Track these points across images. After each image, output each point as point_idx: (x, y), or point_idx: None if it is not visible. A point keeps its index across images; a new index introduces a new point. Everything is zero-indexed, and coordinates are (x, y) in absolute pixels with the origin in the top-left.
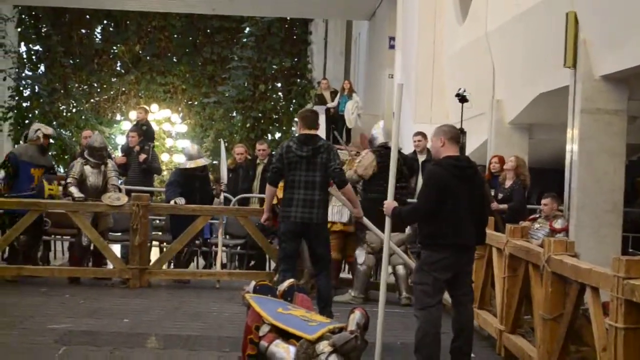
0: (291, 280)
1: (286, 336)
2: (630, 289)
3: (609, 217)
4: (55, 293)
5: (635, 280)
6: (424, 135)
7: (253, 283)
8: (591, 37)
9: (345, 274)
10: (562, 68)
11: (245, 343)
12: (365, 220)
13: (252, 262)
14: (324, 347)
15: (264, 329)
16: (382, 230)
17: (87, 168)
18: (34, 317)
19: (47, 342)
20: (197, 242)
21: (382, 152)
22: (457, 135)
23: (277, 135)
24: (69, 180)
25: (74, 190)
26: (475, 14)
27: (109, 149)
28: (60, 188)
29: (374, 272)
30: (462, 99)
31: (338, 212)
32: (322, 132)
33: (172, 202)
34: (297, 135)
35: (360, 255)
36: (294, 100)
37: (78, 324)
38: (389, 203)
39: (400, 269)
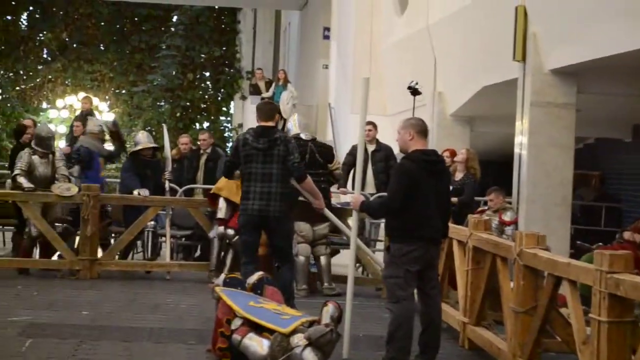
0: (260, 273)
1: (258, 329)
2: (615, 283)
3: (558, 210)
4: (5, 284)
5: (619, 274)
6: (374, 125)
7: (223, 276)
8: (541, 31)
9: None
10: (508, 61)
11: (216, 336)
12: (327, 212)
13: (198, 253)
14: (298, 340)
15: (236, 322)
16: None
17: (36, 158)
18: None
19: (11, 335)
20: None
21: (298, 143)
22: (425, 129)
23: (205, 124)
24: (17, 171)
25: (23, 180)
26: (416, 5)
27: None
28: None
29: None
30: (414, 91)
31: None
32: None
33: (135, 192)
34: (253, 127)
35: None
36: (222, 90)
37: (38, 316)
38: (357, 197)
39: (323, 260)
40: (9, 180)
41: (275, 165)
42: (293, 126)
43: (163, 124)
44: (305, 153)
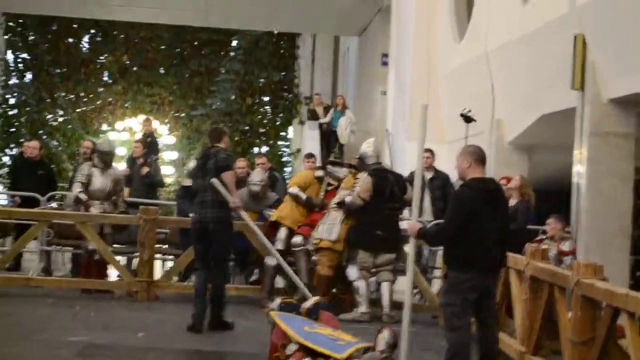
0: (316, 298)
1: (313, 355)
2: None
3: (617, 241)
4: (64, 305)
5: None
6: (432, 152)
7: (278, 300)
8: (600, 59)
9: None
10: (567, 90)
11: None
12: (242, 213)
13: (254, 277)
14: None
15: (291, 347)
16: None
17: (95, 170)
18: (48, 329)
19: (68, 356)
20: None
21: (379, 174)
22: (483, 157)
23: (264, 149)
24: (77, 184)
25: (82, 196)
26: (474, 32)
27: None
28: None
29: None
30: (467, 119)
31: (328, 230)
32: (315, 147)
33: (192, 215)
34: None
35: (352, 272)
36: (281, 114)
37: (95, 337)
38: (413, 225)
39: (385, 286)
40: (70, 194)
41: (209, 177)
42: (370, 152)
43: None
44: (386, 187)
